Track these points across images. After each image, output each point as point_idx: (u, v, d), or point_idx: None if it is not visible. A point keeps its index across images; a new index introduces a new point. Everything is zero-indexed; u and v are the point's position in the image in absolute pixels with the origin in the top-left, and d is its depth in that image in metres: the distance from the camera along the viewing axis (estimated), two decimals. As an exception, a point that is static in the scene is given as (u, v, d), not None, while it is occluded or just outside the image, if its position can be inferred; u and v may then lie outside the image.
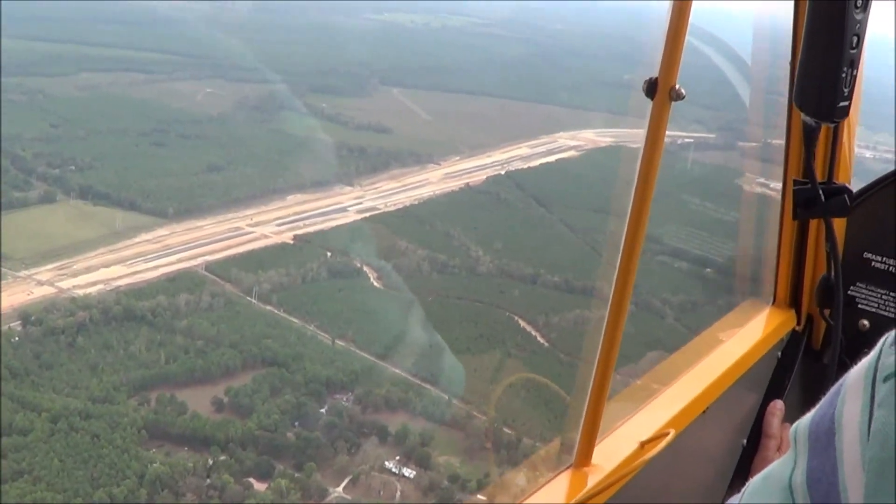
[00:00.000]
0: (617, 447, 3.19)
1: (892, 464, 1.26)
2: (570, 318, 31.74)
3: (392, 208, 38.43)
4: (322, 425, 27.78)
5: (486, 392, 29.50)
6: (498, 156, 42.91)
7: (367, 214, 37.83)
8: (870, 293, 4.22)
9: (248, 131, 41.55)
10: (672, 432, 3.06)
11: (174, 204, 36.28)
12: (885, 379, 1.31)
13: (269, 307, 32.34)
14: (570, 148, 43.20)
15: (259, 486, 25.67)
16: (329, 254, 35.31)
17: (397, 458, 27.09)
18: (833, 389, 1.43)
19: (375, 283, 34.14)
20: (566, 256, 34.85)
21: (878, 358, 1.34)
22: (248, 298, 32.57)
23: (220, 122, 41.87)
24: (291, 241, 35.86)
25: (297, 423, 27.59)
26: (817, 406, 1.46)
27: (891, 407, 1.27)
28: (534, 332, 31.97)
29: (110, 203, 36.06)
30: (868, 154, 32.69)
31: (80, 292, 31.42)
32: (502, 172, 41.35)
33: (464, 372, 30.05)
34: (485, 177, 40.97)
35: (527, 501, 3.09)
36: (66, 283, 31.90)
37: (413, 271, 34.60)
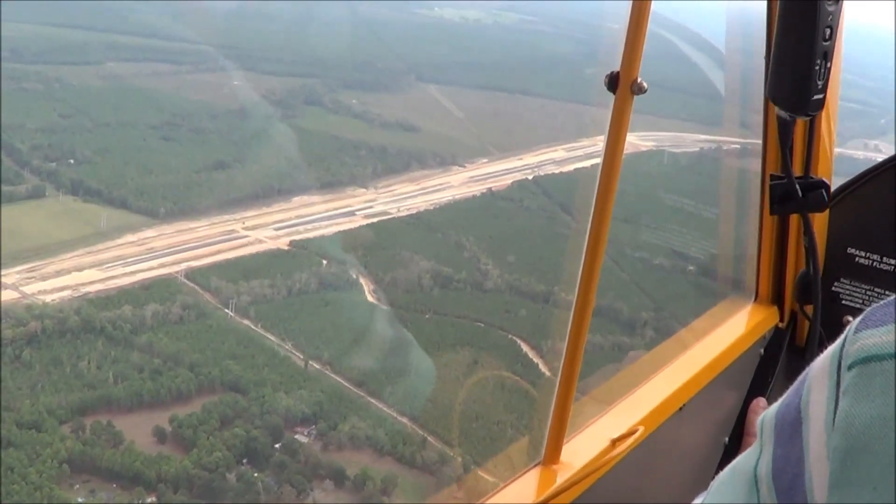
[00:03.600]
0: (588, 444, 3.09)
1: (854, 453, 1.20)
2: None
3: (404, 213, 33.14)
4: (272, 465, 22.74)
5: (466, 430, 24.16)
6: (529, 159, 37.31)
7: (376, 220, 32.54)
8: (854, 289, 4.07)
9: (265, 127, 36.46)
10: (641, 429, 3.02)
11: (168, 203, 31.42)
12: (850, 367, 1.25)
13: (245, 321, 27.35)
14: (610, 153, 37.22)
15: (183, 538, 20.76)
16: (325, 262, 30.10)
17: (350, 508, 22.03)
18: (799, 379, 1.39)
19: (369, 297, 28.92)
20: (585, 272, 29.04)
21: (843, 346, 1.30)
22: (226, 311, 27.58)
23: (240, 116, 36.87)
24: (286, 248, 30.73)
25: (244, 461, 22.53)
26: (784, 396, 1.41)
27: (855, 395, 1.22)
28: (536, 359, 26.61)
29: (101, 200, 31.36)
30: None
31: (44, 298, 26.71)
32: (530, 177, 35.66)
33: (446, 405, 24.86)
34: (510, 181, 35.28)
35: (494, 498, 2.89)
36: (31, 288, 27.25)
37: (413, 285, 29.37)
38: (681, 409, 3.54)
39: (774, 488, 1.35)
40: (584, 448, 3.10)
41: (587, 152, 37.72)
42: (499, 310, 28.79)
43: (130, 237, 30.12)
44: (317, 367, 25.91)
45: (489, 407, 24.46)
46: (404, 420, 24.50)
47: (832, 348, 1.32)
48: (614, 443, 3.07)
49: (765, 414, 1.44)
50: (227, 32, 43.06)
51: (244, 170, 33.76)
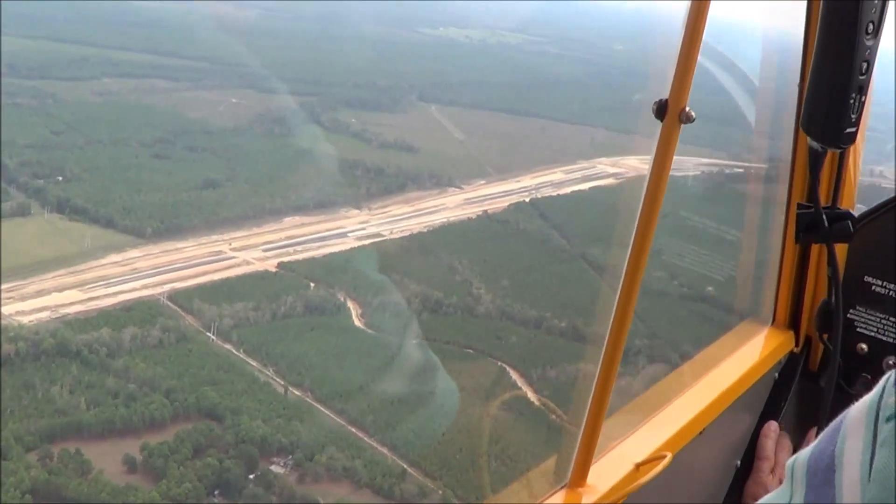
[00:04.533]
0: (612, 468, 3.09)
1: None
2: (570, 372, 24.84)
3: (396, 236, 31.91)
4: (245, 497, 21.52)
5: (448, 462, 22.95)
6: (528, 181, 36.14)
7: (368, 241, 31.36)
8: (869, 317, 3.99)
9: (260, 146, 35.44)
10: (669, 456, 2.99)
11: (155, 223, 30.29)
12: (888, 419, 1.25)
13: (227, 346, 26.19)
14: (610, 175, 36.10)
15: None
16: (312, 285, 28.89)
17: (321, 546, 20.84)
18: (832, 425, 1.37)
19: (356, 322, 27.72)
20: (579, 298, 27.96)
21: (881, 397, 1.29)
22: (207, 334, 26.39)
23: (235, 134, 35.80)
24: (274, 269, 29.54)
25: (216, 493, 21.33)
26: (816, 441, 1.40)
27: (893, 447, 1.22)
28: (525, 388, 25.30)
29: (87, 219, 30.26)
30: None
31: (20, 320, 25.58)
32: (526, 200, 34.43)
33: (430, 436, 23.67)
34: (507, 204, 34.04)
35: None
36: (9, 308, 26.14)
37: (402, 309, 28.08)
38: (701, 432, 3.50)
39: None
40: (609, 471, 3.05)
41: (586, 175, 36.64)
42: (489, 336, 27.59)
43: (115, 257, 29.02)
44: (297, 394, 24.75)
45: (474, 437, 23.33)
46: (384, 450, 23.28)
47: (869, 398, 1.28)
48: (639, 467, 3.02)
49: (796, 457, 1.40)
50: (229, 49, 42.01)
51: (236, 189, 32.65)
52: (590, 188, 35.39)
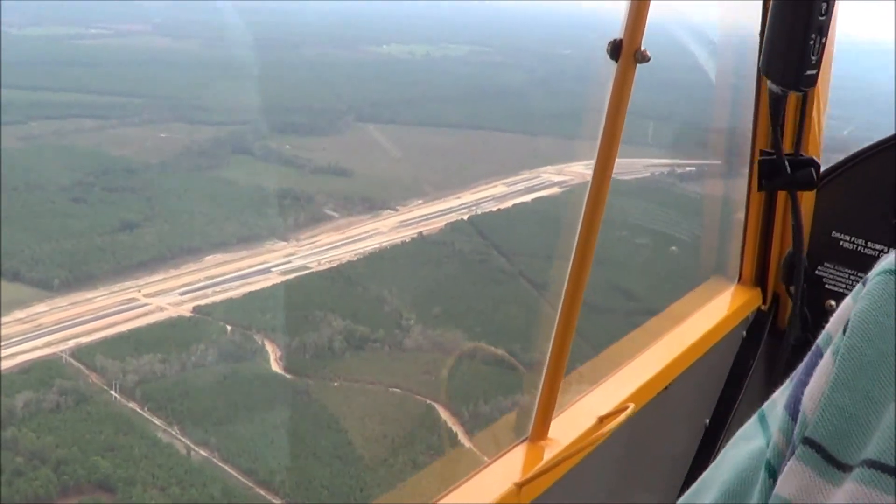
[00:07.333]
0: (575, 421, 2.94)
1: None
2: (505, 406, 21.59)
3: (324, 267, 28.68)
4: (130, 582, 18.41)
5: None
6: (468, 197, 32.96)
7: (293, 276, 28.12)
8: (838, 273, 3.85)
9: (185, 181, 32.28)
10: (631, 406, 2.86)
11: (64, 272, 27.04)
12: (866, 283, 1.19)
13: (131, 404, 22.99)
14: (554, 184, 32.96)
15: None
16: (229, 329, 25.68)
17: None
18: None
19: (274, 366, 24.56)
20: (518, 321, 24.91)
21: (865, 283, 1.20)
22: (111, 393, 23.19)
23: (159, 171, 32.61)
24: (189, 315, 26.28)
25: (100, 578, 18.22)
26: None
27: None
28: (455, 428, 22.30)
29: (-7, 273, 26.93)
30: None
31: None
32: (465, 217, 31.21)
33: (346, 493, 20.53)
34: (444, 223, 30.78)
35: (480, 475, 2.73)
36: None
37: (323, 349, 24.97)
38: (666, 388, 3.32)
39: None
40: (571, 425, 2.89)
41: (528, 186, 33.54)
42: (417, 372, 24.51)
43: (19, 314, 25.80)
44: (203, 454, 21.55)
45: (395, 493, 20.23)
46: (295, 514, 20.15)
47: (854, 291, 1.20)
48: (602, 420, 2.89)
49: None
50: (161, 83, 38.93)
51: (154, 229, 29.44)
52: (533, 199, 32.24)
